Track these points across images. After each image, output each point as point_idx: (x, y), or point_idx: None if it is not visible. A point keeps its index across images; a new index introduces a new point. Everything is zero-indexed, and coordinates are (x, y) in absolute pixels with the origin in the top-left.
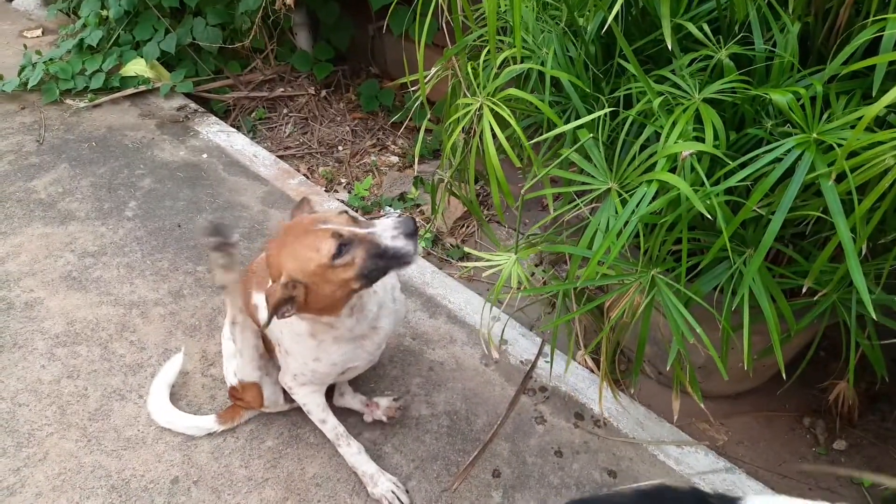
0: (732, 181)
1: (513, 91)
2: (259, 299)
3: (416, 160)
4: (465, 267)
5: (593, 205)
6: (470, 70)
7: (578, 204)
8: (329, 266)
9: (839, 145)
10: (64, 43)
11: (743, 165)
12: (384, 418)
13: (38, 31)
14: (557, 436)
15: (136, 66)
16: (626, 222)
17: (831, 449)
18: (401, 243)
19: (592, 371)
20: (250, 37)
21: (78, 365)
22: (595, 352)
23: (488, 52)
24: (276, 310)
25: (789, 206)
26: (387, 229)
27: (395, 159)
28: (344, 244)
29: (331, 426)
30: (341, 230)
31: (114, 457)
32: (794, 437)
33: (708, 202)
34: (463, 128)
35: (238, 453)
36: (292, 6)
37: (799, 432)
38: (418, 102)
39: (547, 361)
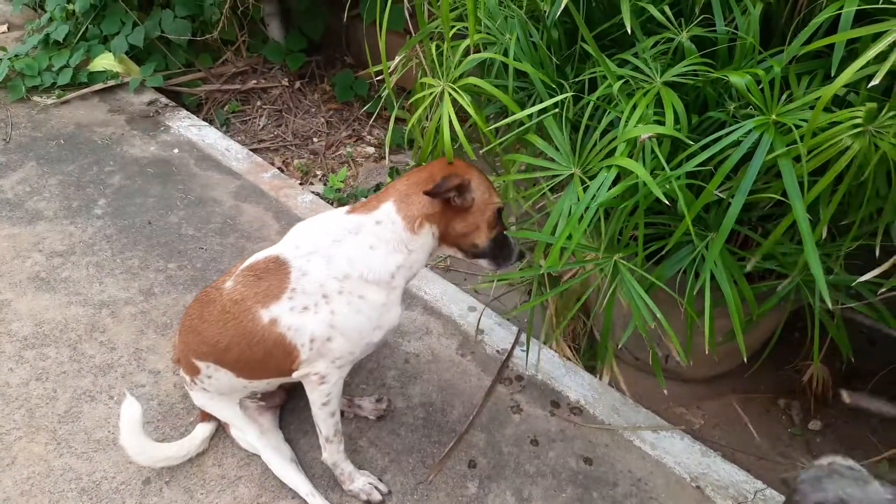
0: (691, 165)
1: (473, 80)
2: (277, 311)
3: (388, 151)
4: (441, 258)
5: (560, 194)
6: (434, 56)
7: (542, 189)
8: (494, 210)
9: (798, 126)
10: (30, 38)
11: (704, 149)
12: (371, 417)
13: (4, 27)
14: (533, 424)
15: (105, 61)
16: (587, 208)
17: (806, 429)
18: (515, 251)
19: (569, 359)
20: (219, 28)
21: (47, 367)
22: (570, 339)
23: (445, 43)
24: (454, 189)
25: (749, 189)
26: (515, 241)
27: (371, 150)
28: (500, 214)
29: (336, 420)
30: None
31: (84, 459)
32: (769, 419)
33: (668, 186)
34: (426, 114)
35: (210, 452)
36: None
37: (775, 413)
38: (389, 91)
39: (523, 350)
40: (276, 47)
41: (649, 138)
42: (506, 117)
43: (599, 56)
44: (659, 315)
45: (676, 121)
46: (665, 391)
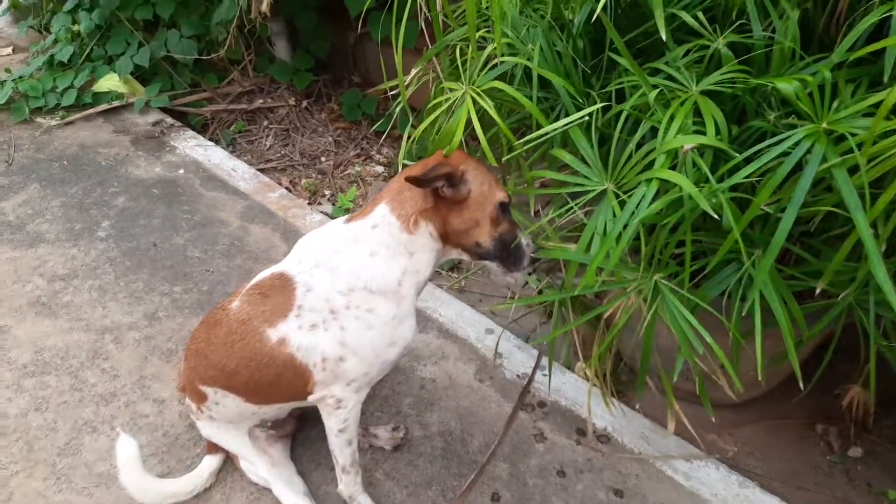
0: (739, 177)
1: (498, 84)
2: (285, 330)
3: (401, 169)
4: (456, 278)
5: (587, 208)
6: (458, 62)
7: (573, 207)
8: (496, 204)
9: (852, 135)
10: (34, 60)
11: (747, 161)
12: (388, 447)
13: (9, 50)
14: (559, 454)
15: (109, 82)
16: (626, 225)
17: (847, 457)
18: (529, 253)
19: (594, 383)
20: (226, 47)
21: (47, 396)
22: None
23: (470, 49)
24: (442, 177)
25: (801, 202)
26: (527, 238)
27: (380, 169)
28: (506, 209)
29: (354, 449)
30: (510, 199)
31: (84, 495)
32: (806, 446)
33: (714, 200)
34: (444, 119)
35: (218, 486)
36: (268, 14)
37: (811, 440)
38: (400, 109)
39: (545, 375)
40: (283, 66)
41: (692, 149)
42: (526, 130)
43: (633, 64)
44: (710, 340)
45: (716, 131)
46: (714, 419)
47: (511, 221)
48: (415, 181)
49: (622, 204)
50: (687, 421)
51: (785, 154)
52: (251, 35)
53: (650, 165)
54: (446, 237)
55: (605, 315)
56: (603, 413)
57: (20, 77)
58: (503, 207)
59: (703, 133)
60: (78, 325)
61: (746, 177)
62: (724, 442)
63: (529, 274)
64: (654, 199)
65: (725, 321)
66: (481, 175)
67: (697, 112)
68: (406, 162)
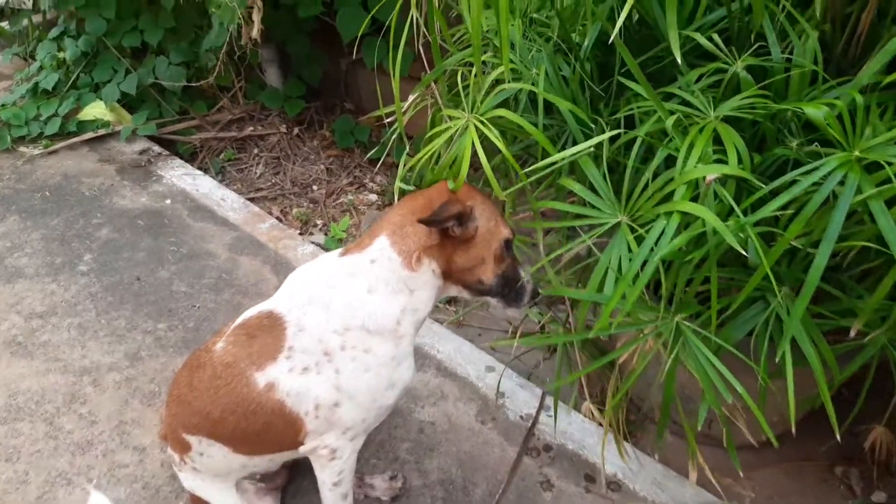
0: (767, 210)
1: (503, 112)
2: (274, 374)
3: (397, 197)
4: (455, 311)
5: (594, 239)
6: (460, 87)
7: (585, 240)
8: (501, 241)
9: (889, 164)
10: (18, 88)
11: (772, 192)
12: (385, 498)
13: None
14: (568, 503)
15: (95, 110)
16: (645, 262)
17: (870, 501)
18: (528, 289)
19: (600, 424)
20: (215, 74)
21: (18, 445)
22: (602, 403)
23: (473, 74)
24: (453, 217)
25: (836, 237)
26: (528, 277)
27: (373, 198)
28: (510, 245)
29: (350, 502)
30: (514, 235)
31: None
32: (827, 489)
33: (741, 235)
34: (442, 150)
35: None
36: (259, 40)
37: (832, 483)
38: (395, 135)
39: (550, 416)
40: (274, 93)
41: (715, 180)
42: (529, 159)
43: (648, 89)
44: (740, 389)
45: (738, 160)
46: (741, 474)
47: (513, 257)
48: (427, 223)
49: (638, 238)
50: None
51: (815, 184)
52: (241, 61)
53: (668, 197)
54: (448, 274)
55: (621, 361)
56: (613, 457)
57: (2, 105)
58: (507, 244)
59: (724, 162)
60: (55, 366)
61: (777, 209)
62: (742, 486)
63: (530, 308)
64: (675, 234)
65: (755, 366)
66: (488, 211)
67: (716, 139)
68: (403, 186)
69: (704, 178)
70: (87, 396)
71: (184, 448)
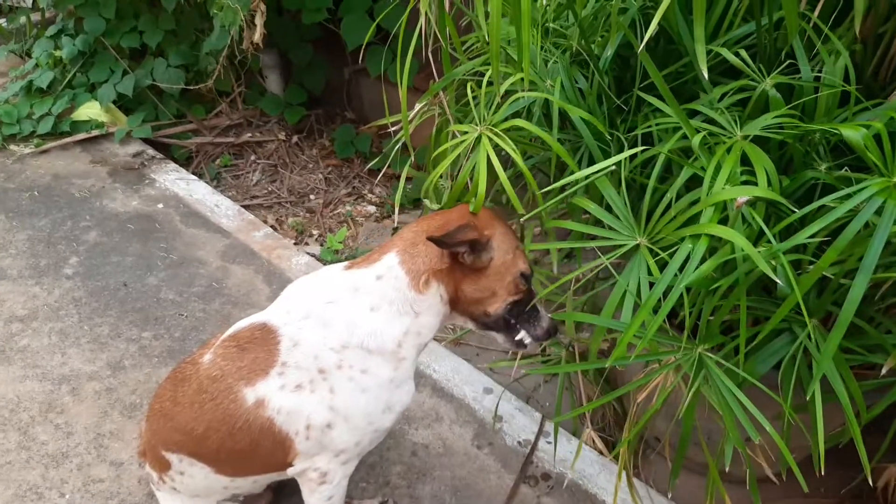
0: (801, 237)
1: (519, 122)
2: (264, 390)
3: (397, 210)
4: (453, 330)
5: (605, 264)
6: (470, 97)
7: (603, 261)
8: (516, 275)
9: None
10: (12, 85)
11: (801, 219)
12: None
13: None
14: None
15: (90, 110)
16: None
17: None
18: (544, 325)
19: (601, 453)
20: (214, 77)
21: None
22: (604, 430)
23: (486, 82)
24: (466, 243)
25: (874, 267)
26: (544, 312)
27: (371, 209)
28: (528, 280)
29: None
30: (532, 270)
31: None
32: None
33: (773, 262)
34: (455, 167)
35: None
36: (261, 45)
37: None
38: (398, 147)
39: (549, 442)
40: (274, 100)
41: (746, 202)
42: (540, 176)
43: (673, 103)
44: (769, 427)
45: (766, 182)
46: (728, 497)
47: (530, 290)
48: (436, 242)
49: (658, 263)
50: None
51: (850, 210)
52: (242, 66)
53: (691, 220)
54: (455, 302)
55: (640, 396)
56: (612, 487)
57: None
58: (524, 278)
59: (752, 184)
60: (33, 372)
61: (812, 236)
62: None
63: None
64: (701, 260)
65: (782, 402)
66: (507, 242)
67: (742, 160)
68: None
69: (734, 200)
70: (65, 406)
71: (163, 466)
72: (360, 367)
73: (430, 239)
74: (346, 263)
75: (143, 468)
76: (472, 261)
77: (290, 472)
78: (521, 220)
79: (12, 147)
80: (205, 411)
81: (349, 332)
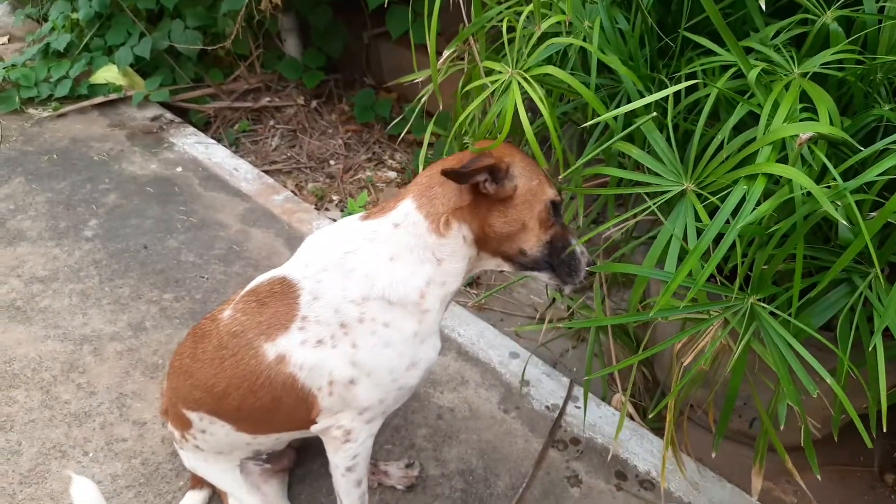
0: (871, 175)
1: (550, 69)
2: (286, 345)
3: (421, 169)
4: (476, 294)
5: (644, 216)
6: (505, 38)
7: (650, 206)
8: (546, 203)
9: None
10: (29, 49)
11: (861, 161)
12: (400, 487)
13: (4, 39)
14: (597, 501)
15: (108, 73)
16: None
17: None
18: (584, 262)
19: (632, 417)
20: (231, 38)
21: (12, 414)
22: (633, 395)
23: (523, 21)
24: (485, 170)
25: None
26: (583, 249)
27: (392, 175)
28: (558, 209)
29: (363, 490)
30: (562, 198)
31: None
32: (876, 498)
33: (839, 203)
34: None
35: None
36: (279, 5)
37: (881, 492)
38: (418, 111)
39: (578, 407)
40: (293, 64)
41: (808, 140)
42: (572, 126)
43: (729, 37)
44: (828, 378)
45: (828, 121)
46: (803, 487)
47: (563, 225)
48: (452, 175)
49: (707, 208)
50: (738, 465)
51: None
52: (259, 28)
53: (743, 163)
54: (484, 242)
55: (676, 350)
56: (646, 454)
57: (12, 65)
58: (554, 207)
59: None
60: (54, 333)
61: (880, 174)
62: (783, 491)
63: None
64: (757, 203)
65: (841, 354)
66: (530, 169)
67: (801, 99)
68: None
69: (794, 138)
70: (87, 366)
71: (184, 425)
72: (382, 320)
73: (445, 172)
74: (362, 213)
75: (166, 427)
76: (494, 190)
77: (314, 429)
78: (561, 177)
79: (30, 110)
80: (225, 367)
81: (369, 283)
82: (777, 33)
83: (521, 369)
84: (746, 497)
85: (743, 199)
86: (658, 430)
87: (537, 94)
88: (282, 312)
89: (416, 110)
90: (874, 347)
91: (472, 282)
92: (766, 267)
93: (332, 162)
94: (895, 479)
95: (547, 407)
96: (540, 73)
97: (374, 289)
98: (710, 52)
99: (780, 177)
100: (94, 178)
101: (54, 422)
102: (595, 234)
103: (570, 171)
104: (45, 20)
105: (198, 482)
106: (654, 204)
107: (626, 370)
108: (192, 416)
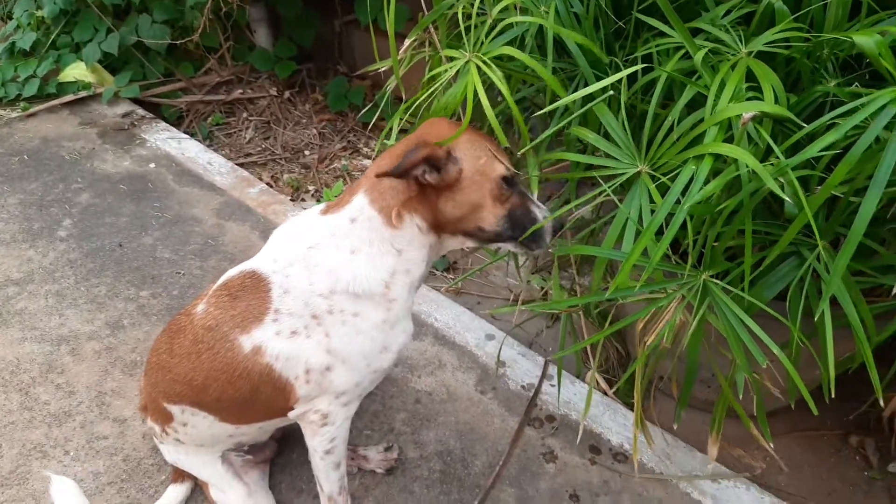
0: (812, 151)
1: (508, 49)
2: (261, 337)
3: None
4: (452, 278)
5: (601, 199)
6: (462, 27)
7: (605, 189)
8: (496, 179)
9: None
10: None
11: (808, 137)
12: (379, 470)
13: None
14: (572, 476)
15: (76, 71)
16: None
17: (887, 472)
18: (549, 227)
19: (605, 393)
20: (199, 32)
21: None
22: (607, 371)
23: (479, 11)
24: (424, 161)
25: (885, 183)
26: (543, 209)
27: (367, 163)
28: (510, 182)
29: (342, 473)
30: (515, 171)
31: None
32: (841, 460)
33: (781, 180)
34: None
35: None
36: None
37: (846, 453)
38: (388, 96)
39: (553, 385)
40: (264, 55)
41: (752, 119)
42: (534, 109)
43: (675, 19)
44: (777, 350)
45: (774, 99)
46: (770, 445)
47: (520, 193)
48: (389, 176)
49: (660, 189)
50: (696, 432)
51: (860, 126)
52: (228, 20)
53: (693, 143)
54: (441, 226)
55: (640, 326)
56: (619, 428)
57: None
58: (506, 181)
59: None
60: (31, 334)
61: (824, 150)
62: (752, 457)
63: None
64: (705, 182)
65: (792, 326)
66: (475, 148)
67: (748, 78)
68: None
69: (739, 118)
70: (65, 366)
71: (165, 419)
72: (351, 310)
73: (379, 175)
74: (321, 207)
75: (146, 423)
76: (436, 179)
77: (292, 415)
78: (519, 153)
79: None
80: (202, 361)
81: (334, 277)
82: (728, 12)
83: (496, 351)
84: (716, 464)
85: (692, 179)
86: (631, 405)
87: (496, 74)
88: (255, 306)
89: (385, 98)
90: (823, 315)
91: (448, 266)
92: (716, 244)
93: (307, 152)
94: (859, 440)
95: (523, 386)
96: (497, 55)
97: (338, 283)
98: (664, 34)
99: (728, 156)
100: (67, 178)
101: (34, 423)
102: (559, 216)
103: (524, 149)
104: (10, 18)
105: (179, 476)
106: (610, 186)
107: (601, 347)
108: (174, 409)
